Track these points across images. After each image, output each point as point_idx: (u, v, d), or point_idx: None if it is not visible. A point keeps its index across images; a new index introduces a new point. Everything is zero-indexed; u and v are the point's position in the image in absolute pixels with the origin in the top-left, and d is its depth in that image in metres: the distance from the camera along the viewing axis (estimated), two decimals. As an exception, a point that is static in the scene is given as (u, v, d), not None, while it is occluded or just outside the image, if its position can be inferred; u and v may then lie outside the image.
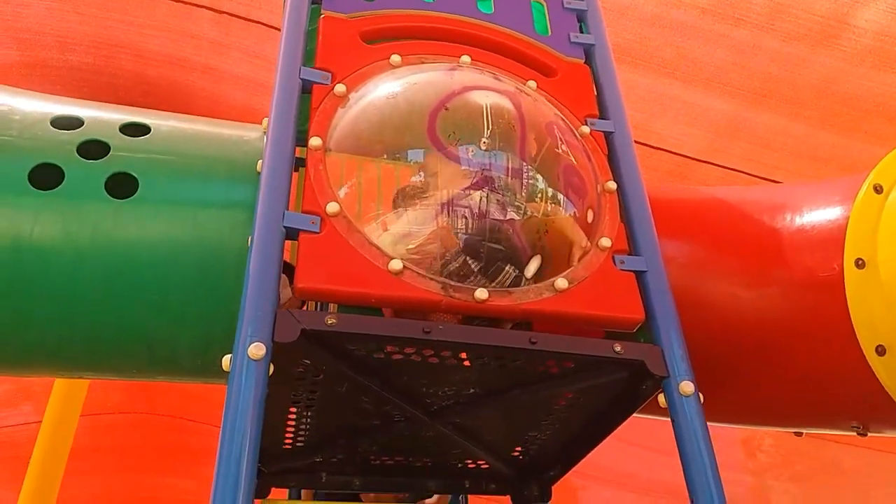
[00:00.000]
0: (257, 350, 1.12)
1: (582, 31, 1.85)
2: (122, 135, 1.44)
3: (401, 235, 1.41)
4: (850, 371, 1.37)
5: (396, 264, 1.27)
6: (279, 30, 3.20)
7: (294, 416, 1.56)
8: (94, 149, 1.39)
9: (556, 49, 1.77)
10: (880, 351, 1.32)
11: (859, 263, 1.35)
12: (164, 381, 1.63)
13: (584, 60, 1.79)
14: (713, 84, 2.95)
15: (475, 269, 1.31)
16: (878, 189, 1.41)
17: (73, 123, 1.43)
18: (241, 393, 1.10)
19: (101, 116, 1.49)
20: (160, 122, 1.52)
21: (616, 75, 1.79)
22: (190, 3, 3.04)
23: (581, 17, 1.88)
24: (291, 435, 1.64)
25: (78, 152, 1.38)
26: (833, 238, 1.41)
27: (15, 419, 4.62)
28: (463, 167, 1.37)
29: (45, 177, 1.34)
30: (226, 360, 1.16)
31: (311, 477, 1.80)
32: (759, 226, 1.57)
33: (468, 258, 1.31)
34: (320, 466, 1.78)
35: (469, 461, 1.83)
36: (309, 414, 1.55)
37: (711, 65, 2.88)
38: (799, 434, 1.73)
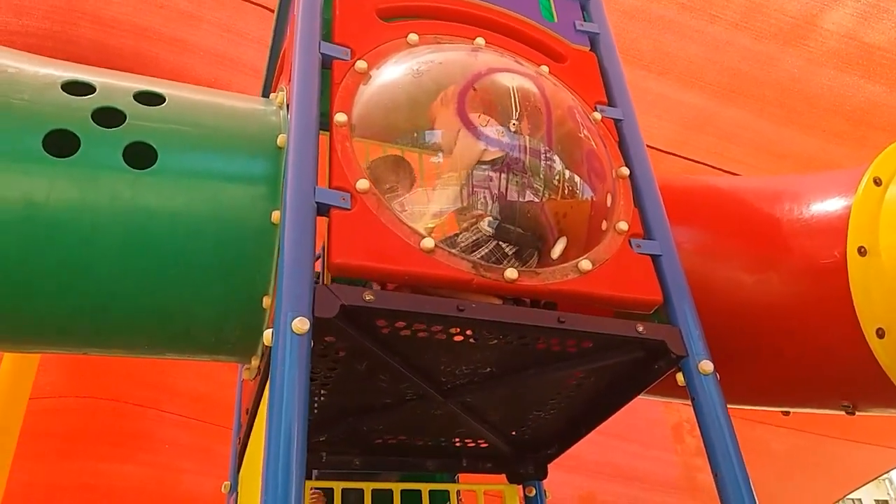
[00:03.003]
0: (301, 325, 1.11)
1: (585, 20, 1.88)
2: (136, 103, 1.39)
3: (422, 214, 1.42)
4: (850, 352, 1.45)
5: (428, 243, 1.27)
6: (255, 4, 3.07)
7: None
8: (109, 116, 1.34)
9: (563, 36, 1.79)
10: (880, 333, 1.40)
11: (861, 251, 1.43)
12: (171, 358, 1.58)
13: (589, 48, 1.82)
14: (685, 78, 3.03)
15: (509, 254, 1.32)
16: (877, 181, 1.48)
17: (85, 89, 1.37)
18: (286, 368, 1.09)
19: (113, 83, 1.43)
20: (172, 91, 1.47)
21: (621, 64, 1.83)
22: (160, -28, 2.93)
23: (584, 6, 1.91)
24: (300, 414, 1.62)
25: (93, 119, 1.32)
26: (835, 227, 1.49)
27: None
28: (492, 148, 1.38)
29: (59, 143, 1.28)
30: (267, 335, 1.15)
31: (312, 457, 1.77)
32: (761, 214, 1.63)
33: (500, 242, 1.32)
34: (322, 445, 1.77)
35: (469, 440, 1.85)
36: (322, 392, 1.54)
37: (685, 59, 2.95)
38: (786, 413, 1.81)
